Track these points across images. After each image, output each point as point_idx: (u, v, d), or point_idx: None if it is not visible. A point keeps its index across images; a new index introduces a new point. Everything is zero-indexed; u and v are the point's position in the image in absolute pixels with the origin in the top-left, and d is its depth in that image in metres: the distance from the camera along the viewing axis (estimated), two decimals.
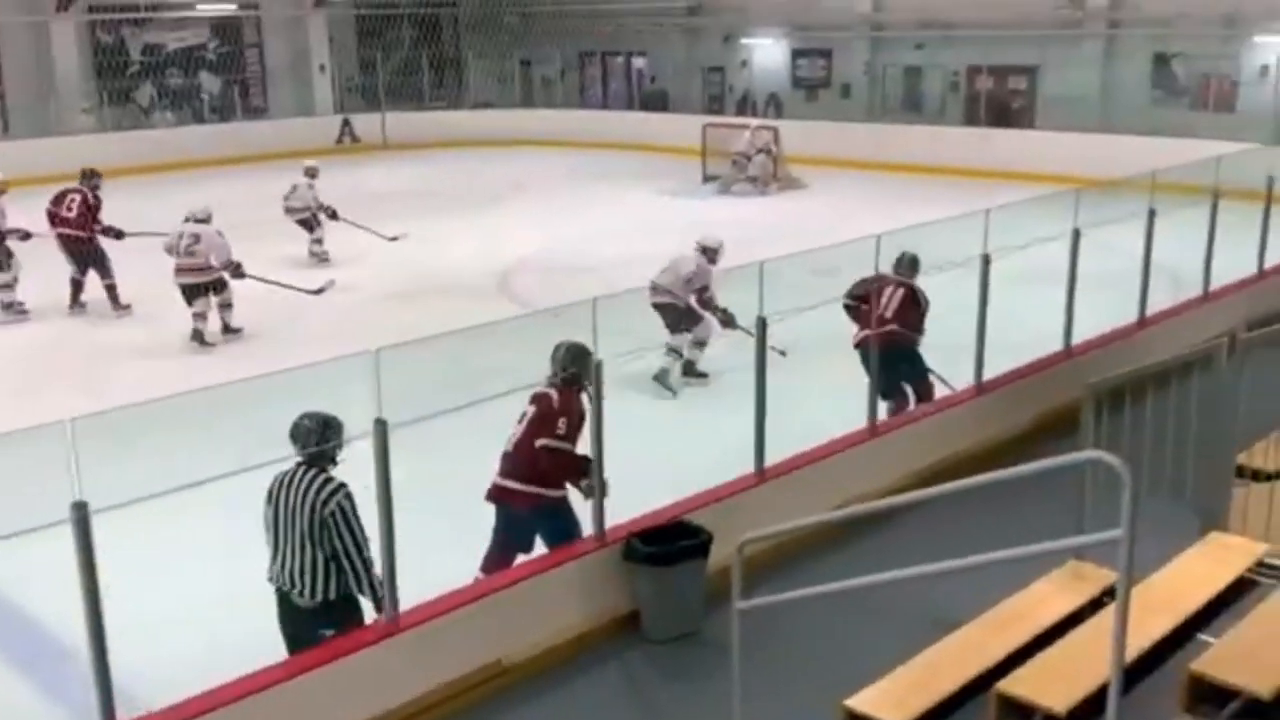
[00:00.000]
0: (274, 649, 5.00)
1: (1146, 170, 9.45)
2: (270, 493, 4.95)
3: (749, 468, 6.59)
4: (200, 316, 11.30)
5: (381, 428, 4.80)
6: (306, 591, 4.88)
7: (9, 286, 12.35)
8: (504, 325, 8.45)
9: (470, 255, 14.87)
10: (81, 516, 3.99)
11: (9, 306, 12.33)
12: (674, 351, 9.75)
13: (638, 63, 29.37)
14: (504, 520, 5.95)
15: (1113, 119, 20.50)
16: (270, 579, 5.02)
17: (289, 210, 15.00)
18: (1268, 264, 10.87)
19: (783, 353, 7.48)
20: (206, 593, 6.08)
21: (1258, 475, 6.46)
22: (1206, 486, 5.91)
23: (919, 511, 6.00)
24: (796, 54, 25.85)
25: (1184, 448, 5.78)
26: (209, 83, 26.77)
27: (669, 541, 5.89)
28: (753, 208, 18.71)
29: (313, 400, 5.00)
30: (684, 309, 9.76)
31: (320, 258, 14.87)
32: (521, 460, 5.88)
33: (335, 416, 4.97)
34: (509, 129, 26.00)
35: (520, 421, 5.98)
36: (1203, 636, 4.95)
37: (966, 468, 6.66)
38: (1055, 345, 8.68)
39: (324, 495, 4.82)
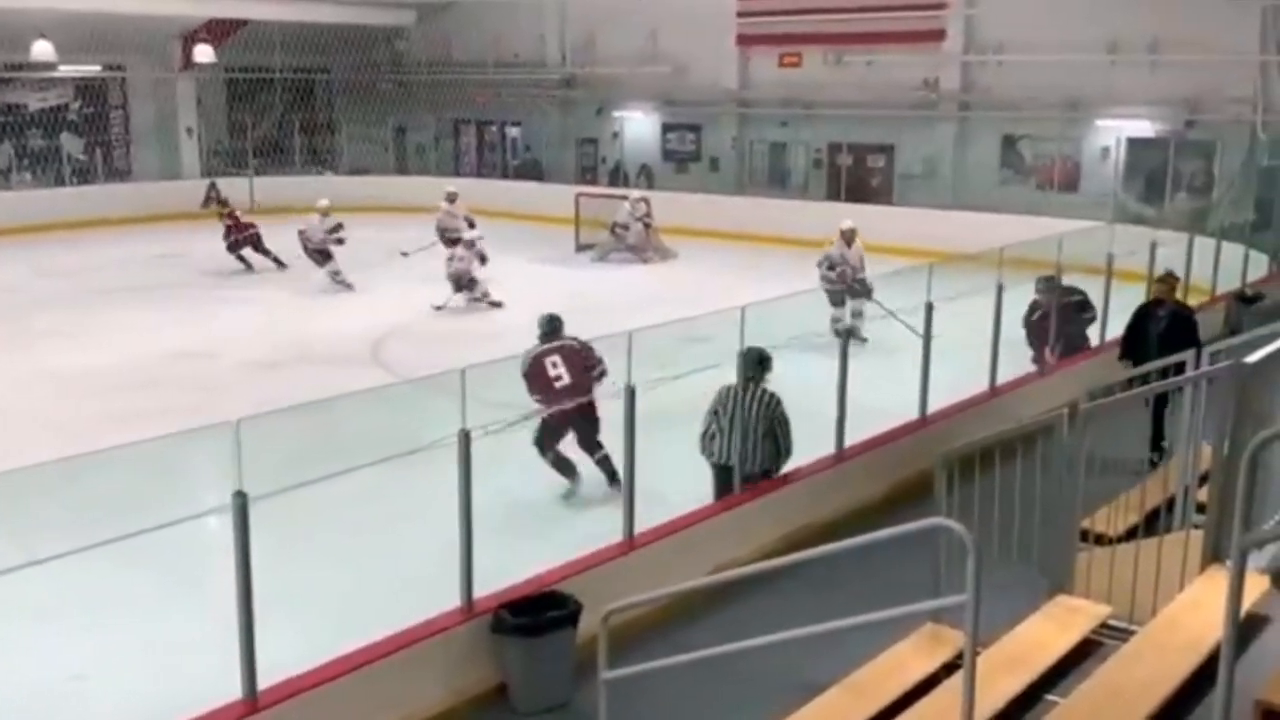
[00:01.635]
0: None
1: (995, 246, 9.90)
2: (720, 396, 7.54)
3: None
4: None
5: (241, 500, 4.76)
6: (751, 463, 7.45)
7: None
8: (374, 393, 8.46)
9: (343, 323, 14.72)
10: None
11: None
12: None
13: (512, 132, 29.60)
14: None
15: (964, 196, 21.42)
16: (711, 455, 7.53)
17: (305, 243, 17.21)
18: (1109, 336, 11.42)
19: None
20: (67, 666, 5.84)
21: (1100, 540, 6.79)
22: (1052, 551, 6.16)
23: (783, 578, 6.14)
24: (667, 128, 26.42)
25: (1030, 514, 6.05)
26: (71, 144, 26.02)
27: (538, 612, 5.89)
28: (629, 275, 18.99)
29: (174, 473, 4.91)
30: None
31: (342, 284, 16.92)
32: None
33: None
34: (382, 195, 25.86)
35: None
36: (1050, 697, 5.14)
37: (829, 534, 6.84)
38: (911, 414, 8.99)
39: (768, 400, 7.51)
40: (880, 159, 23.42)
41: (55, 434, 9.72)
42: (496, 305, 15.80)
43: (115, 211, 23.05)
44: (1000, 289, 9.48)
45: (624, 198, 21.26)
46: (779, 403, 7.60)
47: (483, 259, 16.09)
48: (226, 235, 18.71)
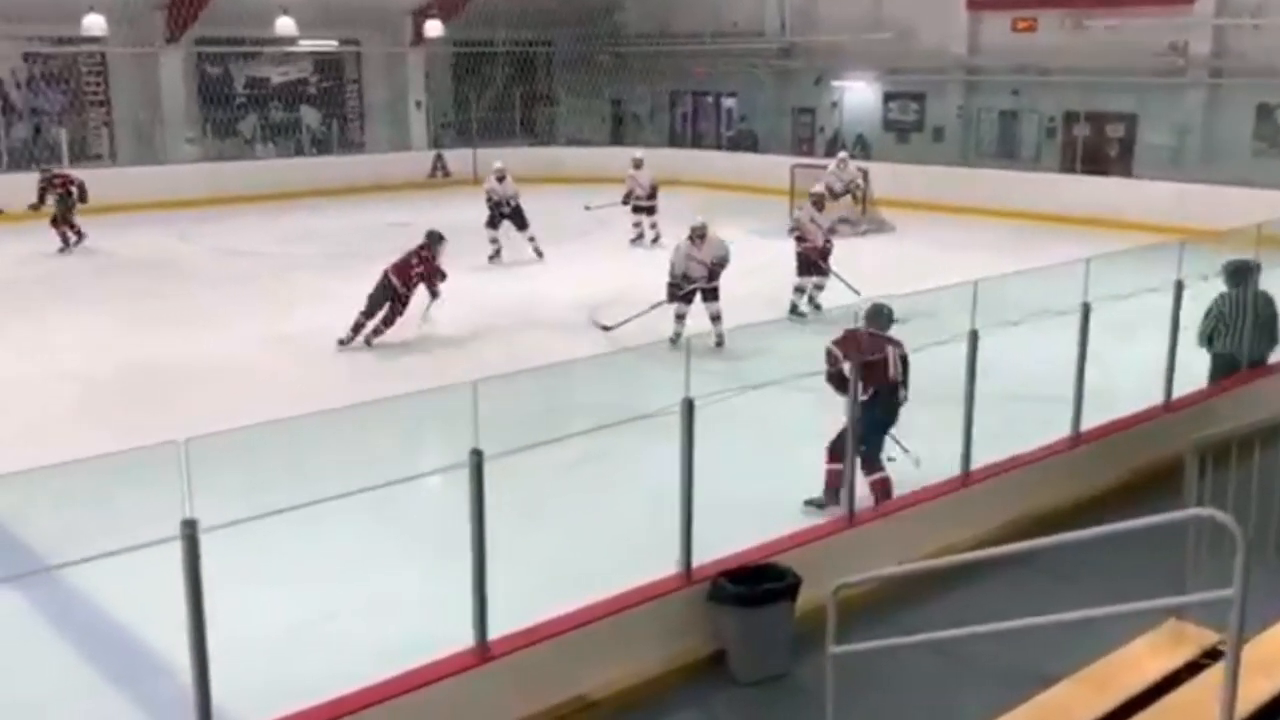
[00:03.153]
0: (366, 672, 5.04)
1: (1247, 222, 9.25)
2: (1219, 301, 8.80)
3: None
4: None
5: (477, 458, 4.90)
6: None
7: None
8: (595, 361, 8.62)
9: (560, 290, 15.00)
10: (190, 534, 4.09)
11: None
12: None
13: (727, 103, 29.52)
14: None
15: (1212, 169, 20.06)
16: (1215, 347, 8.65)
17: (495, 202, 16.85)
18: None
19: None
20: (305, 613, 6.17)
21: None
22: None
23: (1011, 563, 5.91)
24: (889, 96, 25.79)
25: None
26: (309, 116, 27.47)
27: (756, 582, 5.86)
28: (843, 248, 18.61)
29: (416, 427, 5.08)
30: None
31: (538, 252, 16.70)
32: None
33: None
34: (599, 166, 26.28)
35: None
36: None
37: (1059, 520, 6.53)
38: (1155, 398, 8.49)
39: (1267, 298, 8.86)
40: (1120, 128, 22.23)
41: (298, 392, 10.36)
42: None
43: (348, 181, 24.18)
44: (1258, 268, 8.83)
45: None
46: (1273, 300, 9.00)
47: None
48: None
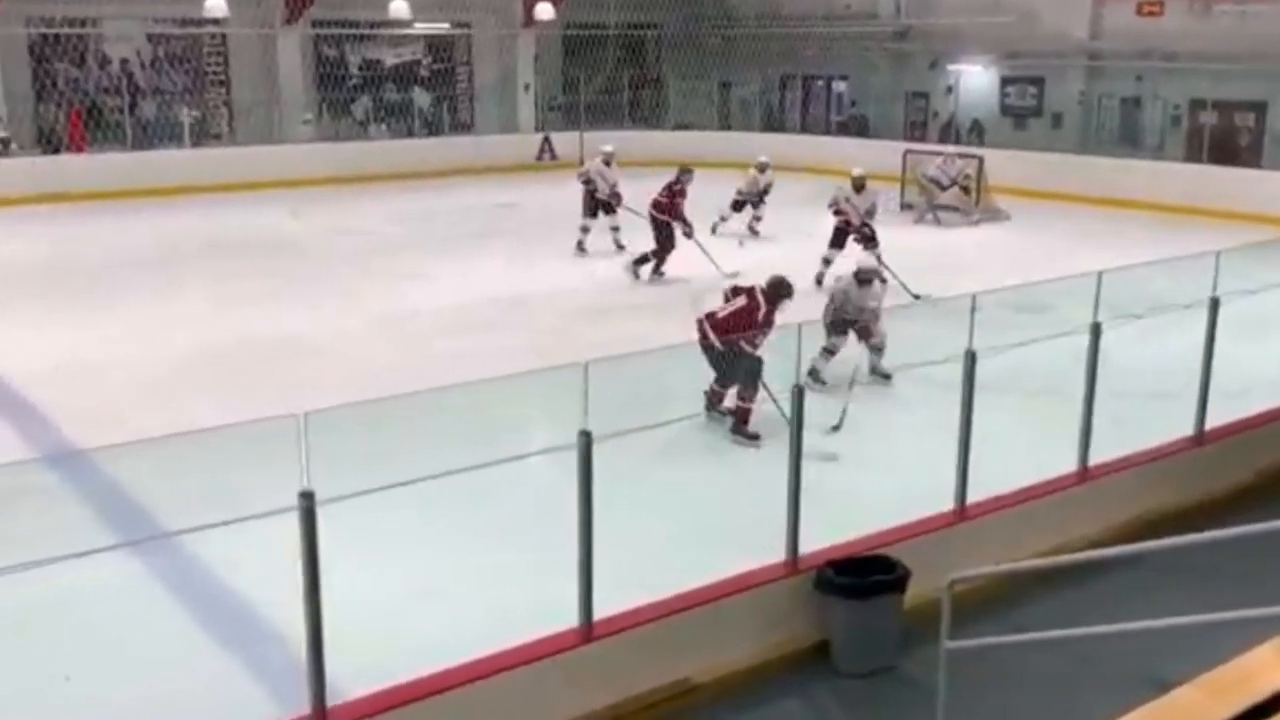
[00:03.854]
0: (475, 644, 5.08)
1: None
2: None
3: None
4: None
5: (586, 439, 4.90)
6: None
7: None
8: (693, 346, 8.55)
9: (669, 274, 14.94)
10: (308, 506, 4.15)
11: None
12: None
13: (839, 87, 29.13)
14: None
15: None
16: None
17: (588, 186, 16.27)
18: None
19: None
20: (413, 585, 6.25)
21: None
22: None
23: (1131, 562, 5.73)
24: (1006, 81, 25.15)
25: None
26: (421, 98, 27.84)
27: (863, 573, 5.76)
28: (954, 237, 18.28)
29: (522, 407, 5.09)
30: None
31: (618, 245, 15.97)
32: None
33: None
34: (707, 150, 26.16)
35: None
36: None
37: (1180, 521, 6.32)
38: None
39: None
40: (1249, 117, 21.34)
41: (401, 370, 10.46)
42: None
43: (457, 162, 24.43)
44: None
45: (940, 154, 20.42)
46: None
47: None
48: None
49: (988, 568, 5.00)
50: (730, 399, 8.65)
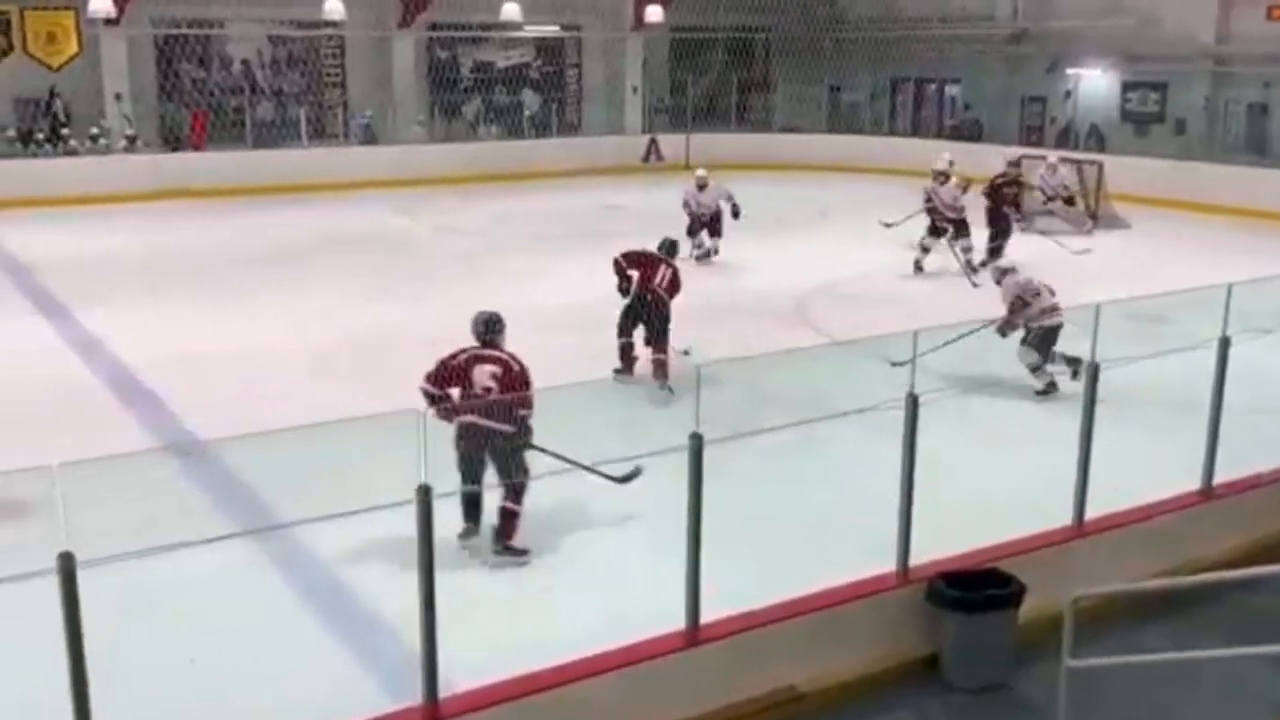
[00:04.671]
0: (581, 646, 5.09)
1: None
2: None
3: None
4: None
5: (697, 442, 4.89)
6: None
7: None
8: (811, 352, 8.47)
9: (771, 278, 14.87)
10: (424, 500, 4.21)
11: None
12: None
13: (951, 90, 28.64)
14: None
15: None
16: None
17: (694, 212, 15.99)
18: None
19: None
20: (524, 584, 6.30)
21: None
22: None
23: (1256, 585, 5.51)
24: (1127, 86, 24.45)
25: None
26: (530, 100, 28.14)
27: (976, 587, 5.64)
28: (1067, 246, 17.80)
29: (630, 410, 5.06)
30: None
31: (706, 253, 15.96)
32: None
33: None
34: (814, 154, 25.97)
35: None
36: None
37: None
38: None
39: None
40: None
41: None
42: None
43: (565, 163, 24.63)
44: None
45: (1063, 161, 19.80)
46: None
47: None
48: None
49: (1113, 585, 4.85)
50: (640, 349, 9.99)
